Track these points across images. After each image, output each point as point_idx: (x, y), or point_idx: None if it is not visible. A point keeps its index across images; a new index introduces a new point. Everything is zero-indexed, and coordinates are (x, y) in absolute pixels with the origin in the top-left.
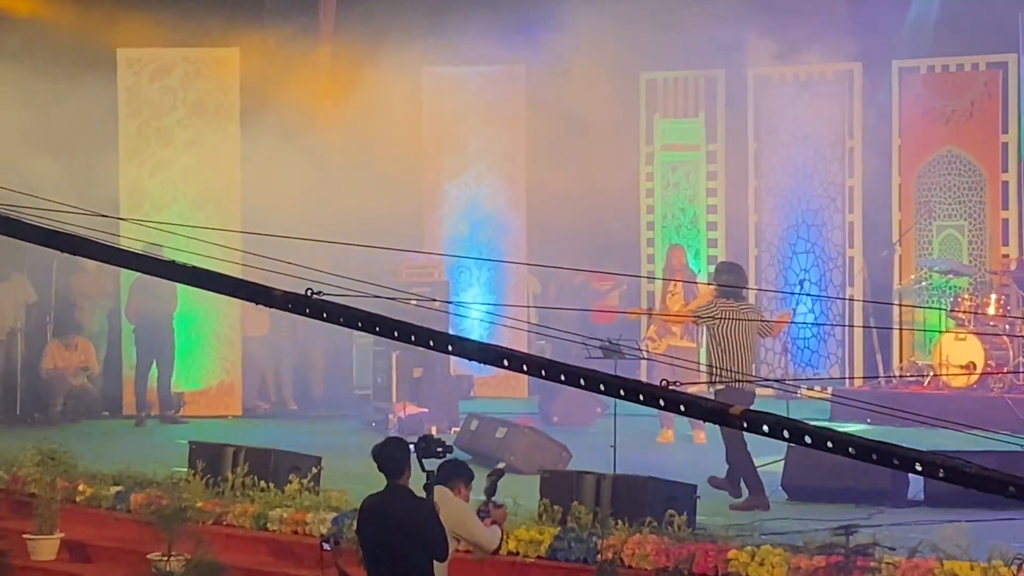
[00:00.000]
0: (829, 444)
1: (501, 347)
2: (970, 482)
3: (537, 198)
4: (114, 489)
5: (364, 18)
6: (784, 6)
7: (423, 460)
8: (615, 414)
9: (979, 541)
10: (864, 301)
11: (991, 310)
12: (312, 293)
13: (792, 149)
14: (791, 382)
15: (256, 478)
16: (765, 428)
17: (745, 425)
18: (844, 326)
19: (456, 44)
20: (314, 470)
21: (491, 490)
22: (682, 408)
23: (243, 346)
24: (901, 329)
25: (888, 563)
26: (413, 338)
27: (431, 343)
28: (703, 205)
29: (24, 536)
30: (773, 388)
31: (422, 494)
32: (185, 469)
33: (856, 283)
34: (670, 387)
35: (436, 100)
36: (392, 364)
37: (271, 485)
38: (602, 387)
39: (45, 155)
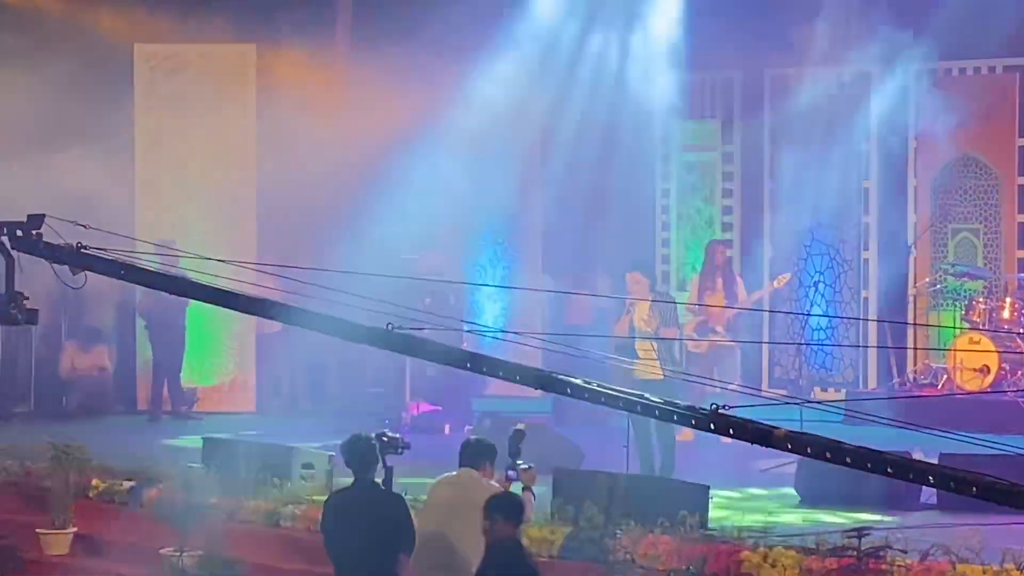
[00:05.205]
0: (868, 465)
1: (563, 376)
2: (1003, 499)
3: (552, 198)
4: (127, 484)
5: (382, 13)
6: (800, 7)
7: (384, 456)
8: (629, 414)
9: (991, 544)
10: (877, 320)
11: (1006, 313)
12: (391, 327)
13: (808, 150)
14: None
15: (269, 474)
16: (808, 450)
17: (789, 447)
18: (857, 346)
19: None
20: (327, 467)
21: (515, 452)
22: (731, 432)
23: (257, 343)
24: (916, 349)
25: (900, 566)
26: (485, 369)
27: (500, 373)
28: (719, 206)
29: (37, 531)
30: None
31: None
32: (199, 465)
33: (871, 285)
34: (720, 411)
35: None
36: (406, 362)
37: (284, 482)
38: (657, 412)
39: (62, 150)
